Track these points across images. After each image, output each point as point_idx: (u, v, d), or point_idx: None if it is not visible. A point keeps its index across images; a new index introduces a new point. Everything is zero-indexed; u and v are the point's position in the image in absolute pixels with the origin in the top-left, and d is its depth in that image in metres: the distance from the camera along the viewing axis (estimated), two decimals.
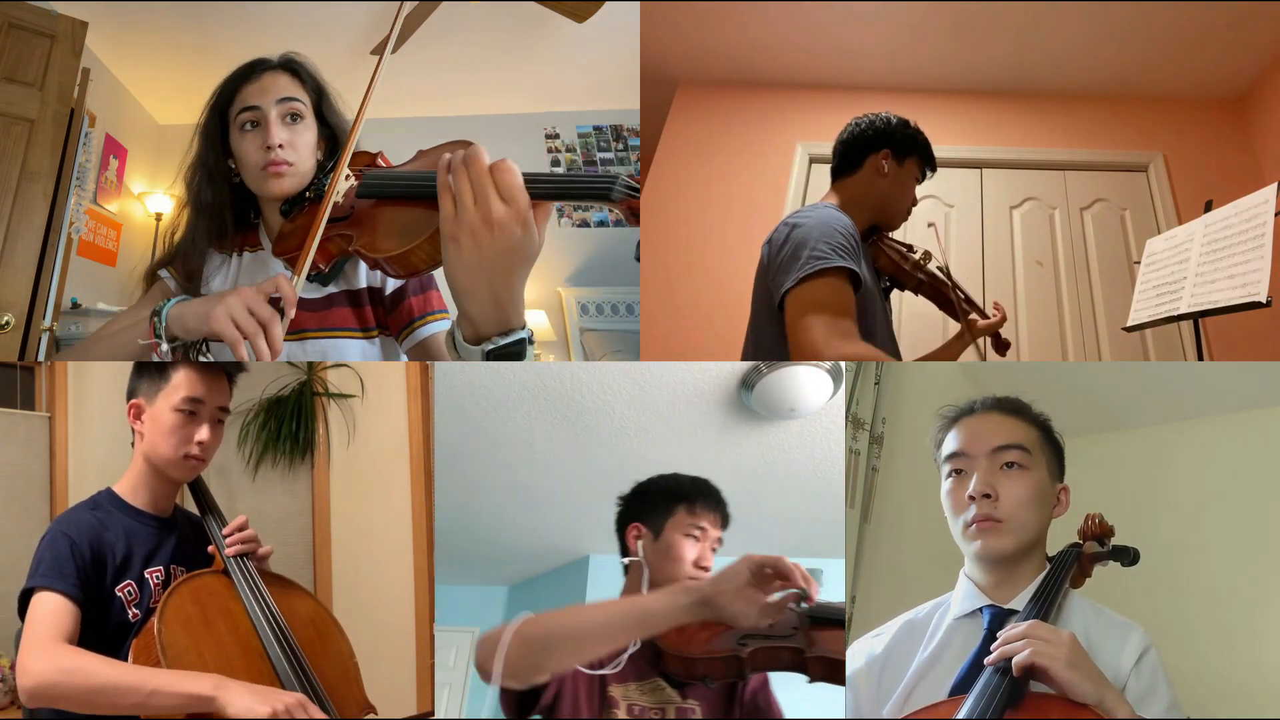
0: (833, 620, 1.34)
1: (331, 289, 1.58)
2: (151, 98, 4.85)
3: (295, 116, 1.49)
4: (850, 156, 2.04)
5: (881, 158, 2.00)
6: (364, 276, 1.60)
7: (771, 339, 1.84)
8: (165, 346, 1.34)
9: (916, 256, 2.08)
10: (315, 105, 1.54)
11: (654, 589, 1.44)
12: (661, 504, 1.53)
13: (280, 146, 1.44)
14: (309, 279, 1.43)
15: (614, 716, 1.34)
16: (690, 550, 1.48)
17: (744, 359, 2.02)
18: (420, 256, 1.18)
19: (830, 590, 2.98)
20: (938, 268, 2.10)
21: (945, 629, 1.28)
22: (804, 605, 1.21)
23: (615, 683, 1.38)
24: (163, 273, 1.59)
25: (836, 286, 1.72)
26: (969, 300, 2.14)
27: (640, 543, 1.51)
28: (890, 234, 2.10)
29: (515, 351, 1.08)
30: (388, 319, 1.61)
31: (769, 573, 1.17)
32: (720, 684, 1.39)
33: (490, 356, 1.07)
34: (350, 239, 1.29)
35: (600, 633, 1.16)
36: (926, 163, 2.07)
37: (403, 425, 3.03)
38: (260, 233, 1.59)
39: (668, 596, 1.16)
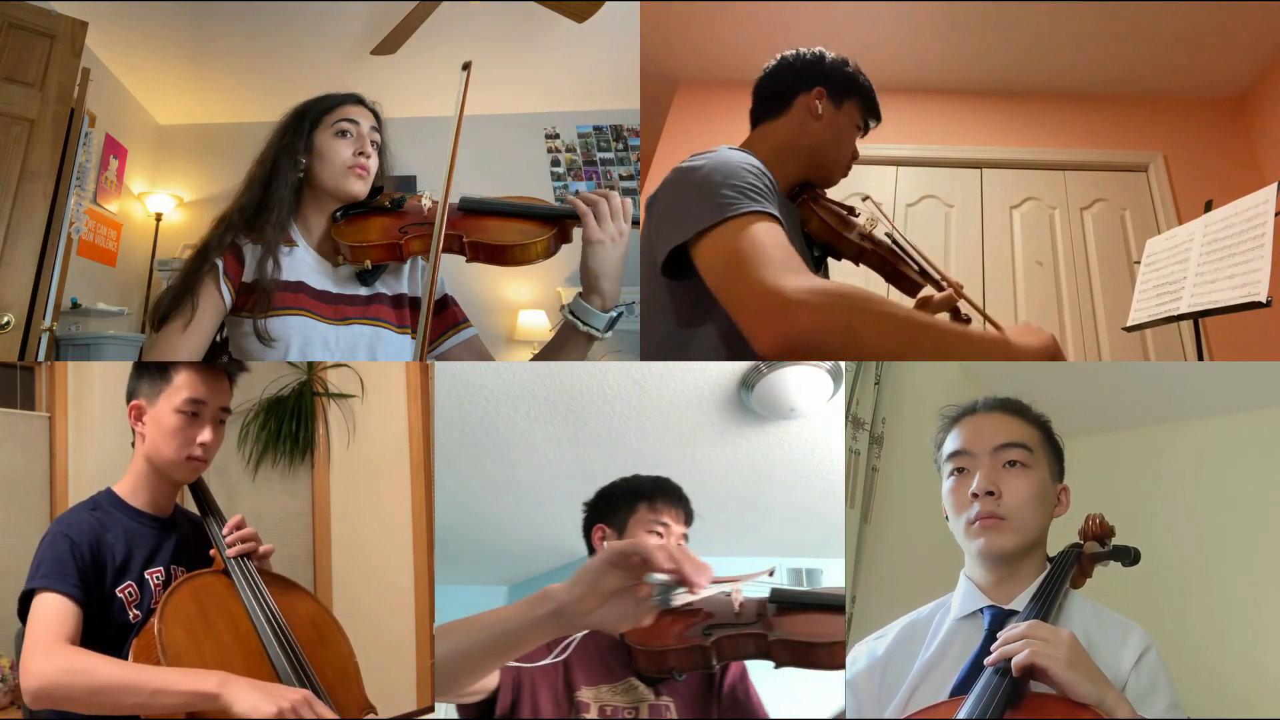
0: (797, 604, 1.36)
1: (372, 290, 1.71)
2: (151, 98, 4.85)
3: (375, 143, 1.72)
4: (776, 96, 1.76)
5: (815, 97, 1.72)
6: (406, 285, 1.74)
7: (660, 314, 1.59)
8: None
9: (859, 221, 1.77)
10: (380, 147, 1.75)
11: None
12: (623, 503, 1.58)
13: (368, 156, 1.68)
14: (360, 275, 1.67)
15: (584, 718, 1.35)
16: None
17: (645, 348, 1.70)
18: (538, 249, 1.56)
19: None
20: (886, 234, 1.81)
21: (946, 630, 1.29)
22: (678, 592, 0.95)
23: (586, 685, 1.40)
24: (219, 261, 1.58)
25: (761, 227, 1.37)
26: (924, 272, 1.81)
27: (605, 543, 1.56)
28: (825, 192, 1.79)
29: (617, 318, 1.56)
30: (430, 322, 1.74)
31: (635, 561, 0.93)
32: (689, 675, 1.41)
33: (610, 320, 1.55)
34: (459, 237, 1.57)
35: (469, 658, 1.05)
36: (868, 110, 1.78)
37: (403, 425, 3.03)
38: (294, 232, 1.66)
39: (524, 609, 0.99)
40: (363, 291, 1.68)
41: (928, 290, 1.80)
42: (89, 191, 4.25)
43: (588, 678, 1.42)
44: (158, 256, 4.83)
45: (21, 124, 2.59)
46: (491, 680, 1.31)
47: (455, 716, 1.37)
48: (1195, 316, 2.18)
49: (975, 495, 1.26)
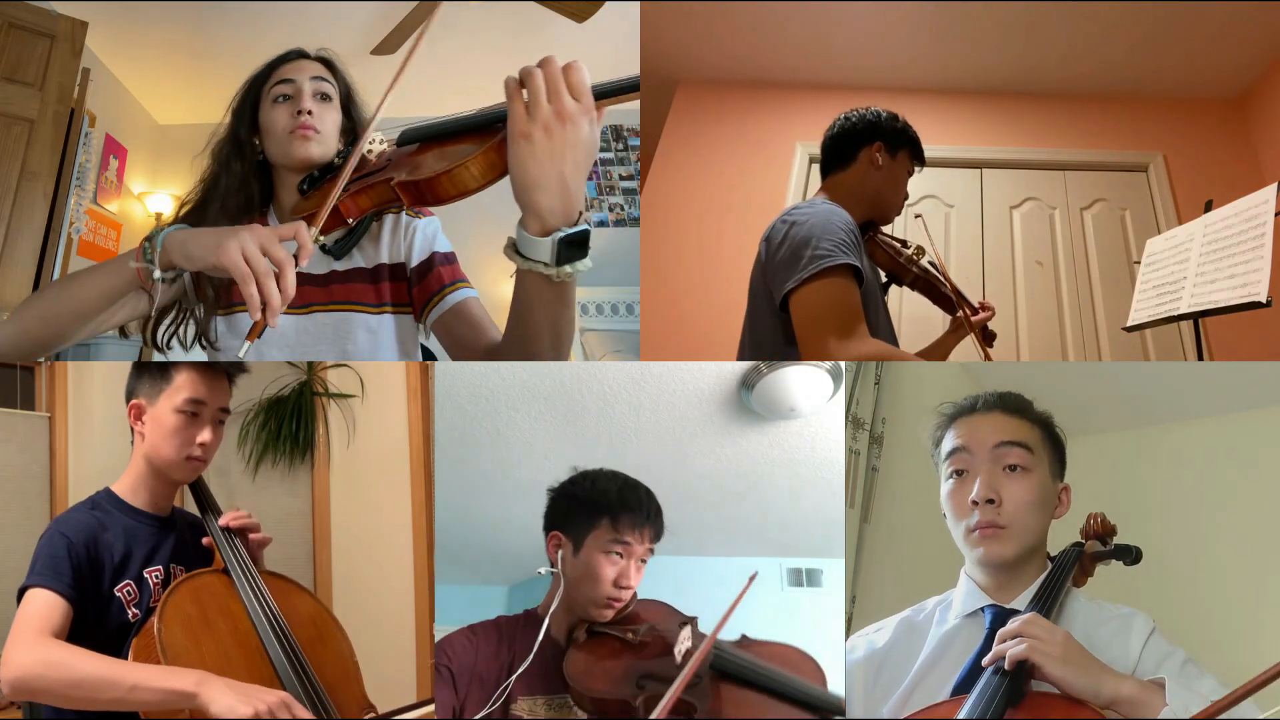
0: (736, 677, 1.30)
1: (349, 264, 1.57)
2: (151, 98, 4.85)
3: (325, 96, 1.55)
4: (842, 150, 2.04)
5: (875, 150, 2.00)
6: (385, 252, 1.59)
7: (771, 335, 1.83)
8: (158, 274, 1.26)
9: (910, 251, 2.11)
10: (343, 97, 1.60)
11: (568, 604, 1.42)
12: (583, 515, 1.44)
13: (310, 113, 1.51)
14: (326, 248, 1.49)
15: (515, 717, 1.31)
16: (610, 570, 1.40)
17: (741, 355, 2.00)
18: (472, 172, 1.16)
19: (830, 591, 2.96)
20: (930, 262, 2.13)
21: (947, 628, 1.28)
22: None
23: (524, 694, 1.34)
24: (172, 230, 1.41)
25: (842, 286, 1.70)
26: (960, 294, 2.17)
27: (560, 553, 1.45)
28: (884, 229, 2.12)
29: (581, 240, 1.12)
30: (412, 291, 1.60)
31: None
32: None
33: (560, 246, 1.11)
34: (389, 180, 1.25)
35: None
36: (916, 157, 2.07)
37: (403, 425, 3.03)
38: (270, 215, 1.59)
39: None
40: (338, 267, 1.55)
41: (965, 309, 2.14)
42: (89, 191, 4.25)
43: (527, 687, 1.35)
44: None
45: (21, 124, 2.60)
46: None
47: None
48: (1195, 316, 2.18)
49: (975, 503, 1.25)
